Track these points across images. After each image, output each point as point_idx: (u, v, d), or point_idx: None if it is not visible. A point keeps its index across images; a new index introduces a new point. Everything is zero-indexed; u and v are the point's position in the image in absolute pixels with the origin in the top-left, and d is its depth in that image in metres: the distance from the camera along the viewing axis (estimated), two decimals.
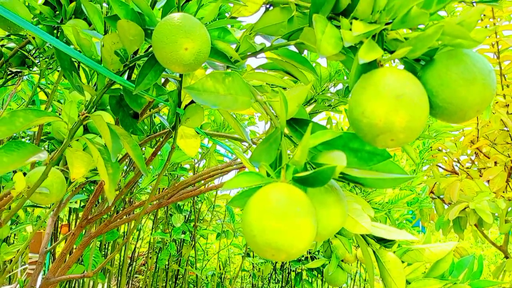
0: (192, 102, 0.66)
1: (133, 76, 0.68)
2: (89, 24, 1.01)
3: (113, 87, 0.66)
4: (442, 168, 2.21)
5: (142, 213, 0.73)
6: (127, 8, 0.55)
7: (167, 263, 2.51)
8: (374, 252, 0.60)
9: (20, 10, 0.85)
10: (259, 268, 3.27)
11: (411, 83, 0.35)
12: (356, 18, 0.42)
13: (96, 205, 0.89)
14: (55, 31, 1.08)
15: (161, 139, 1.02)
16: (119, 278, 2.55)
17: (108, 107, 0.96)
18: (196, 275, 2.74)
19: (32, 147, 0.59)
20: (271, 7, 0.58)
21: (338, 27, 0.45)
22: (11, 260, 1.36)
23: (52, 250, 1.73)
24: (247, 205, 0.36)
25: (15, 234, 2.01)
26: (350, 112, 0.36)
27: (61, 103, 1.20)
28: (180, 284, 2.77)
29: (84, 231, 1.08)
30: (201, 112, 0.63)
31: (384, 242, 0.64)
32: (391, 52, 0.40)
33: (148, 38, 0.58)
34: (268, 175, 0.42)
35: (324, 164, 0.37)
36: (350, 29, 0.41)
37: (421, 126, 0.34)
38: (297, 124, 0.46)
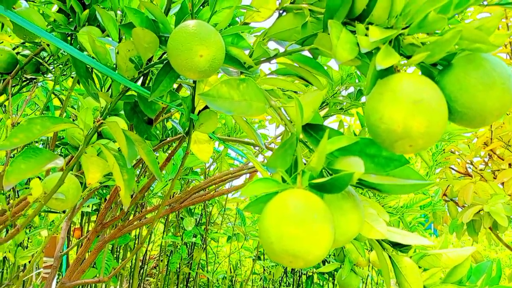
0: (205, 107, 0.67)
1: (147, 83, 0.68)
2: (103, 30, 1.02)
3: (127, 93, 0.66)
4: (455, 170, 2.18)
5: (156, 218, 0.73)
6: (142, 16, 0.56)
7: (178, 266, 2.52)
8: (390, 257, 0.60)
9: (36, 18, 0.86)
10: (270, 271, 3.27)
11: (429, 88, 0.34)
12: (371, 23, 0.42)
13: (109, 210, 0.90)
14: (68, 38, 1.10)
15: (174, 144, 1.03)
16: (131, 281, 2.56)
17: (122, 112, 0.97)
18: (208, 278, 2.74)
19: (49, 153, 0.60)
20: (284, 13, 0.58)
21: (353, 32, 0.45)
22: (24, 265, 1.38)
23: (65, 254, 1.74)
24: (264, 212, 0.36)
25: (29, 238, 2.03)
26: (367, 118, 0.36)
27: (75, 109, 1.22)
28: (191, 287, 2.78)
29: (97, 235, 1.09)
30: (215, 117, 0.63)
31: (399, 247, 0.63)
32: (408, 57, 0.40)
33: (162, 45, 0.58)
34: (284, 181, 0.42)
35: (341, 170, 0.37)
36: (366, 35, 0.41)
37: (439, 131, 0.34)
38: (312, 130, 0.46)
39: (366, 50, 0.35)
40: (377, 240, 0.61)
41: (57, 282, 1.13)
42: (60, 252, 1.07)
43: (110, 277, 0.72)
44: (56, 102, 1.36)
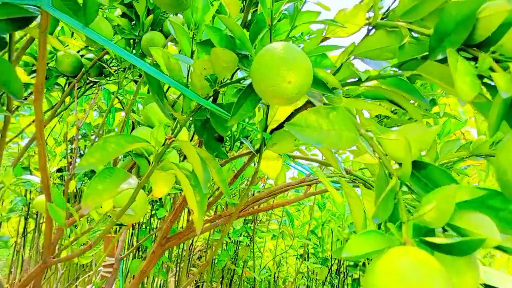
0: (279, 127, 0.63)
1: (219, 99, 0.66)
2: (166, 36, 1.01)
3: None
4: None
5: (226, 231, 0.71)
6: (221, 34, 0.53)
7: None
8: None
9: (103, 27, 0.86)
10: (313, 271, 3.22)
11: None
12: (494, 52, 0.36)
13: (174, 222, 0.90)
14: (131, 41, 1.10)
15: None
16: (177, 269, 2.62)
17: None
18: (254, 277, 2.75)
19: (122, 172, 0.59)
20: (373, 29, 0.52)
21: (468, 59, 0.39)
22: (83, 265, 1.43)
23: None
24: (373, 272, 0.32)
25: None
26: (503, 172, 0.31)
27: (134, 113, 1.22)
28: (236, 281, 2.79)
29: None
30: (290, 139, 0.60)
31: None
32: None
33: (239, 63, 0.55)
34: (379, 227, 0.38)
35: (465, 230, 0.32)
36: (491, 68, 0.35)
37: None
38: (416, 169, 0.41)
39: (507, 95, 0.30)
40: None
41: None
42: (120, 255, 1.09)
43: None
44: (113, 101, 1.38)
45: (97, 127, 1.96)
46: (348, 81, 0.52)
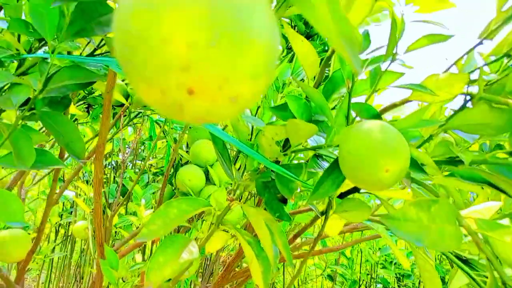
0: (350, 191, 0.58)
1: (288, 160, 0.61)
2: None
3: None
4: None
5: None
6: (300, 102, 0.48)
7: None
8: None
9: None
10: None
11: None
12: None
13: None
14: None
15: None
16: (202, 278, 2.59)
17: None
18: None
19: (182, 238, 0.56)
20: (470, 100, 0.47)
21: None
22: None
23: None
24: None
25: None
26: None
27: (175, 143, 1.19)
28: None
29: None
30: (366, 210, 0.55)
31: None
32: None
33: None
34: None
35: None
36: None
37: None
38: None
39: None
40: None
41: None
42: None
43: None
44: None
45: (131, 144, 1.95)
46: (443, 159, 0.47)
